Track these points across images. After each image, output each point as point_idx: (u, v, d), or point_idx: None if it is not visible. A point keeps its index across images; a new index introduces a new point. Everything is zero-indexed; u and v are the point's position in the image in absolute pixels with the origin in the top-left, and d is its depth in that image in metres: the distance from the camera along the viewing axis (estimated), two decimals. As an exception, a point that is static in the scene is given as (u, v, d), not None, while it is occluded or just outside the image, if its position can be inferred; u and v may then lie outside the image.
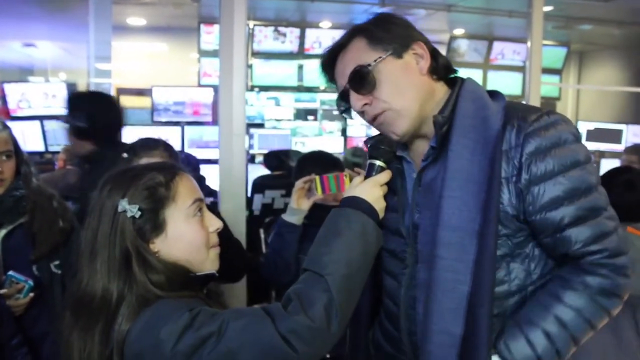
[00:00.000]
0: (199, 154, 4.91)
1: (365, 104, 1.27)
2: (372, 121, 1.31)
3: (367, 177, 1.28)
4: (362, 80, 1.25)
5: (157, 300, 1.10)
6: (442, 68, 1.32)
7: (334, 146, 7.08)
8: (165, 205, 1.18)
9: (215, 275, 1.26)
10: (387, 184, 1.30)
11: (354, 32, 1.30)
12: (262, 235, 3.82)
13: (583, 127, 6.89)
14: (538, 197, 1.19)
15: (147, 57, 6.77)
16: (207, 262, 1.24)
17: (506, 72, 7.31)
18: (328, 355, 2.03)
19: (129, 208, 1.15)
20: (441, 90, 1.33)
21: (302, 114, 7.05)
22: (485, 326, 1.18)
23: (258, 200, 3.47)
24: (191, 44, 6.46)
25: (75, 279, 1.19)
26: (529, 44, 3.40)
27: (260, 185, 3.71)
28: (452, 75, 1.37)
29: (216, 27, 6.16)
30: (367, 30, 1.28)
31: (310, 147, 6.83)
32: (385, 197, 1.29)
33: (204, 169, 4.09)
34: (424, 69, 1.28)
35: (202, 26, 6.20)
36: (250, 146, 5.98)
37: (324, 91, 7.12)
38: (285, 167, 4.12)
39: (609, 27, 6.34)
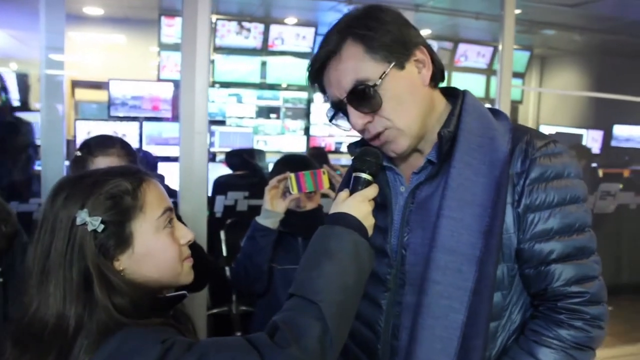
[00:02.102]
0: (158, 151, 4.74)
1: (368, 122, 1.16)
2: (372, 139, 1.20)
3: (352, 191, 1.16)
4: (365, 98, 1.13)
5: (121, 328, 0.95)
6: (439, 73, 1.21)
7: (297, 145, 6.97)
8: (132, 217, 1.04)
9: (186, 296, 1.13)
10: (374, 198, 1.19)
11: (344, 35, 1.15)
12: (223, 237, 3.69)
13: (544, 132, 6.95)
14: (531, 225, 1.14)
15: (104, 49, 6.51)
16: (181, 276, 1.11)
17: (470, 74, 7.32)
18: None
19: (90, 220, 1.00)
20: (440, 102, 1.24)
21: (265, 112, 6.91)
22: (478, 359, 1.10)
23: (220, 202, 3.32)
24: (151, 36, 6.23)
25: (22, 304, 1.02)
26: (500, 46, 3.38)
27: (222, 185, 3.57)
28: (449, 87, 1.29)
29: (178, 20, 5.98)
30: (362, 36, 1.13)
31: (272, 146, 6.70)
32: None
33: (163, 168, 3.92)
34: (427, 78, 1.18)
35: (163, 18, 5.98)
36: (211, 144, 5.82)
37: (286, 89, 7.00)
38: (249, 166, 3.99)
39: (572, 33, 6.40)
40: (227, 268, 3.73)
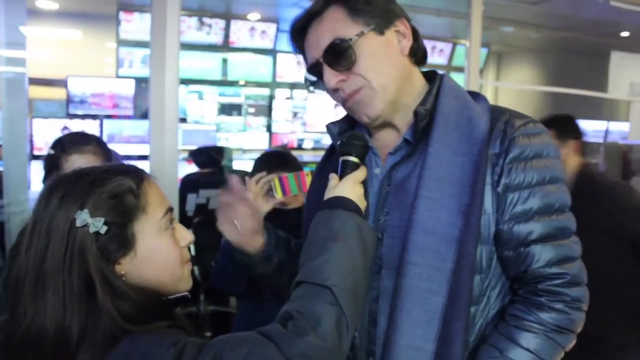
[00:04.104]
0: (120, 149, 4.63)
1: (341, 80, 1.16)
2: (346, 101, 1.19)
3: (342, 175, 1.16)
4: (340, 55, 1.15)
5: (127, 335, 0.90)
6: (420, 51, 1.23)
7: (259, 142, 6.92)
8: (134, 218, 0.98)
9: (188, 297, 1.09)
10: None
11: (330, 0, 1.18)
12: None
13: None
14: (510, 205, 1.13)
15: (59, 45, 6.30)
16: (182, 282, 1.06)
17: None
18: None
19: (92, 222, 0.93)
20: (419, 80, 1.24)
21: (227, 109, 6.83)
22: (460, 343, 1.08)
23: (192, 201, 3.27)
24: (108, 32, 6.08)
25: (13, 314, 0.95)
26: (467, 43, 3.43)
27: (193, 183, 3.51)
28: (429, 70, 1.29)
29: (137, 15, 5.85)
30: (346, 2, 1.16)
31: (234, 143, 6.64)
32: None
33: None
34: (406, 49, 1.19)
35: (121, 13, 5.83)
36: (174, 142, 5.71)
37: (246, 85, 6.94)
38: (216, 164, 3.95)
39: (529, 30, 6.55)
40: (195, 267, 3.69)
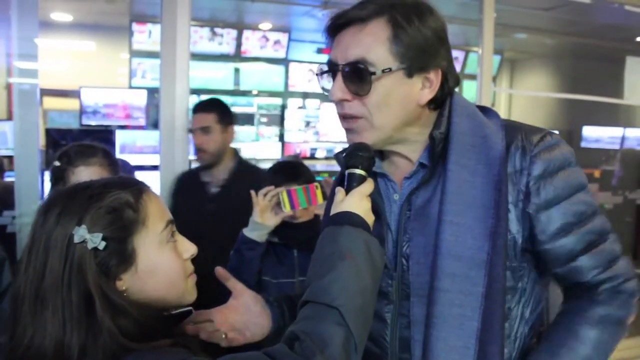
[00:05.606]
0: (132, 159, 4.64)
1: (345, 100, 1.12)
2: (342, 119, 1.16)
3: (348, 189, 1.12)
4: (358, 79, 1.10)
5: (129, 353, 0.88)
6: (444, 96, 1.17)
7: (271, 152, 6.91)
8: (134, 232, 0.96)
9: (192, 312, 1.07)
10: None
11: (382, 11, 1.10)
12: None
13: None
14: (549, 223, 1.12)
15: (73, 56, 6.36)
16: (186, 294, 1.04)
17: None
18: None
19: (90, 238, 0.91)
20: (428, 117, 1.19)
21: (239, 119, 6.82)
22: None
23: (203, 211, 3.25)
24: (121, 43, 6.12)
25: (14, 333, 0.93)
26: (479, 50, 3.40)
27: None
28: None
29: (149, 26, 5.89)
30: (397, 22, 1.08)
31: (247, 153, 6.63)
32: None
33: (140, 177, 3.83)
34: (424, 99, 1.14)
35: (134, 24, 5.87)
36: (186, 151, 5.72)
37: (258, 95, 6.94)
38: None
39: (542, 36, 6.49)
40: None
